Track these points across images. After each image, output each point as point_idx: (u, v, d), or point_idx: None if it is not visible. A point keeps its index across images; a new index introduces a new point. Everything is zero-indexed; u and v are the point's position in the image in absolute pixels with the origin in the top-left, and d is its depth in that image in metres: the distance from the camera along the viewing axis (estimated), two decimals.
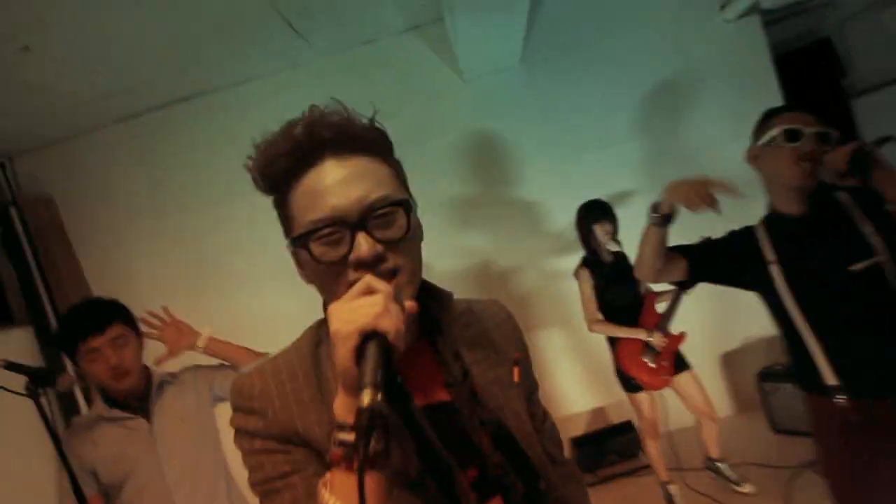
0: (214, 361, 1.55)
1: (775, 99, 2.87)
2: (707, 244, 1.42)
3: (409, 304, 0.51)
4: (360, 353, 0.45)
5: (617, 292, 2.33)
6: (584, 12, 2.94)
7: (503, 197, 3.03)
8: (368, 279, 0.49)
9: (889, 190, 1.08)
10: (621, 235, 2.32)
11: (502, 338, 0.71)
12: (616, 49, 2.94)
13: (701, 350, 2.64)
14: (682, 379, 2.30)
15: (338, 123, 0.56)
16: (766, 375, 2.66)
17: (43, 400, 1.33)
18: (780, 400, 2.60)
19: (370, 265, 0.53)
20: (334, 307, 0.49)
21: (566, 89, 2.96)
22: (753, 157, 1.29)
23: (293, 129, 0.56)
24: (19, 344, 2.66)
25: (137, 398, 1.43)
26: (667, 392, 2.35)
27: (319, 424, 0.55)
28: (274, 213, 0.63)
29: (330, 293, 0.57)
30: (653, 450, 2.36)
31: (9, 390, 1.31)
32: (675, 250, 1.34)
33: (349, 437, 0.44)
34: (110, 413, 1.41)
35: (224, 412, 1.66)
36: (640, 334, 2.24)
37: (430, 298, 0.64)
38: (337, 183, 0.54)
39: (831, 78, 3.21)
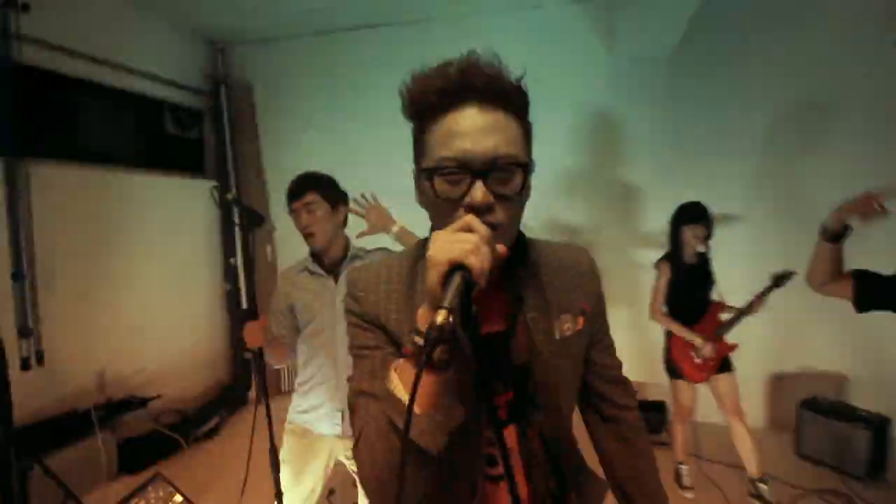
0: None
1: None
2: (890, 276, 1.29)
3: (501, 248, 0.56)
4: (446, 279, 0.50)
5: (688, 293, 2.44)
6: (746, 18, 2.92)
7: (610, 177, 3.22)
8: (470, 218, 0.54)
9: None
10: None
11: (576, 286, 0.74)
12: (768, 61, 2.91)
13: (754, 363, 2.80)
14: (722, 378, 2.41)
15: (489, 74, 0.58)
16: (808, 404, 2.77)
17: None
18: (812, 429, 2.71)
19: (479, 211, 0.57)
20: (436, 235, 0.54)
21: (707, 89, 3.01)
22: None
23: (449, 68, 0.58)
24: (206, 191, 3.38)
25: (333, 262, 1.63)
26: (702, 387, 2.52)
27: (398, 322, 0.67)
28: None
29: (438, 222, 0.63)
30: (678, 432, 2.57)
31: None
32: (854, 274, 1.30)
33: (420, 340, 0.52)
34: (311, 267, 1.64)
35: None
36: (695, 340, 2.34)
37: (517, 245, 0.69)
38: (474, 129, 0.57)
39: None
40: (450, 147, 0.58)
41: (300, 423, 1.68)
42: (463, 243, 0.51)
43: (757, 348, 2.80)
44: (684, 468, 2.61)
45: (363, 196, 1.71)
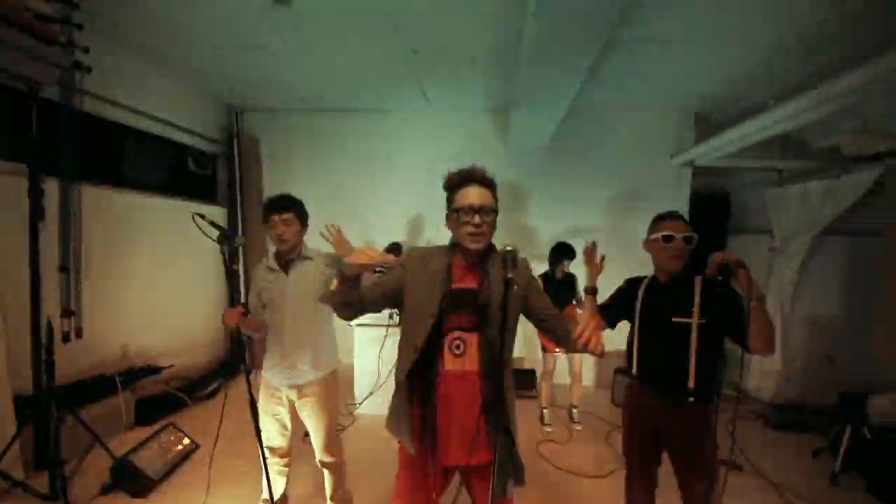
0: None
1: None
2: (611, 302, 1.88)
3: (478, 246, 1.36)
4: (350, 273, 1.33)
5: (556, 297, 3.41)
6: (585, 127, 4.46)
7: (513, 222, 4.58)
8: (364, 248, 1.31)
9: (741, 284, 1.44)
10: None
11: (520, 276, 1.37)
12: (600, 157, 4.50)
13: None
14: (576, 356, 3.62)
15: (482, 172, 1.35)
16: (617, 371, 4.12)
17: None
18: (619, 386, 4.04)
19: (477, 227, 1.30)
20: (354, 253, 1.30)
21: (564, 169, 4.54)
22: (647, 246, 1.78)
23: (465, 170, 1.35)
24: (218, 216, 4.29)
25: (288, 261, 2.01)
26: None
27: (414, 282, 1.39)
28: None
29: (456, 234, 1.38)
30: (545, 388, 3.75)
31: (207, 236, 1.88)
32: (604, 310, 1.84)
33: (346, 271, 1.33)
34: (273, 264, 2.02)
35: None
36: None
37: (489, 248, 1.40)
38: (475, 194, 1.31)
39: (722, 217, 4.65)
40: (465, 201, 1.33)
41: (266, 379, 2.07)
42: (361, 257, 1.26)
43: None
44: (546, 411, 3.78)
45: (329, 228, 2.11)
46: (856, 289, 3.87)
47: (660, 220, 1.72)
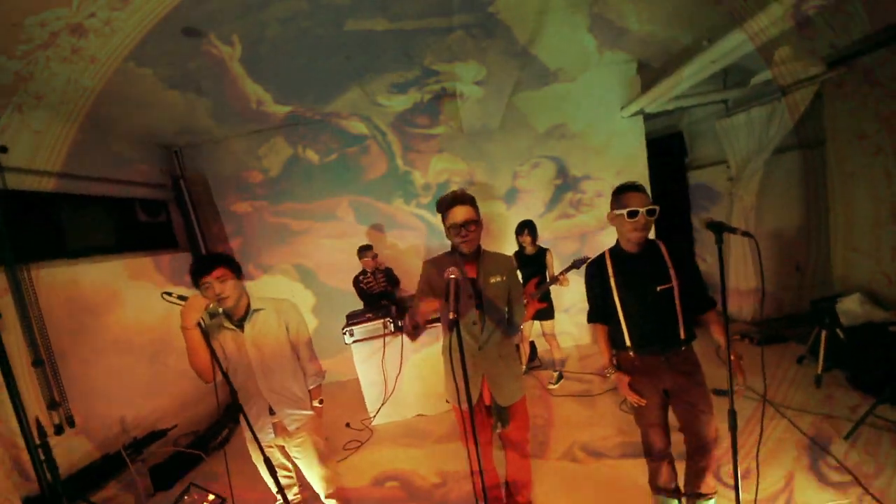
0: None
1: (644, 166, 4.49)
2: (594, 301, 1.95)
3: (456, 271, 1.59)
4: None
5: (525, 271, 3.74)
6: (536, 102, 4.46)
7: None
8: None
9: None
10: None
11: (504, 268, 1.90)
12: (552, 123, 4.52)
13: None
14: (545, 323, 3.84)
15: (465, 195, 1.83)
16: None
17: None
18: None
19: (465, 236, 1.80)
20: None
21: (513, 141, 4.58)
22: (610, 219, 1.84)
23: (452, 193, 1.83)
24: (180, 261, 4.00)
25: (240, 318, 1.96)
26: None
27: (433, 280, 1.89)
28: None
29: (453, 242, 1.88)
30: (523, 347, 4.10)
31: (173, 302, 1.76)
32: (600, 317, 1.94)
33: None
34: (226, 324, 1.96)
35: None
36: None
37: (478, 249, 1.90)
38: (461, 213, 1.80)
39: (679, 155, 4.78)
40: (454, 219, 1.80)
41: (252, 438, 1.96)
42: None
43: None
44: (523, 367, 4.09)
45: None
46: (811, 198, 4.11)
47: (620, 194, 1.77)
